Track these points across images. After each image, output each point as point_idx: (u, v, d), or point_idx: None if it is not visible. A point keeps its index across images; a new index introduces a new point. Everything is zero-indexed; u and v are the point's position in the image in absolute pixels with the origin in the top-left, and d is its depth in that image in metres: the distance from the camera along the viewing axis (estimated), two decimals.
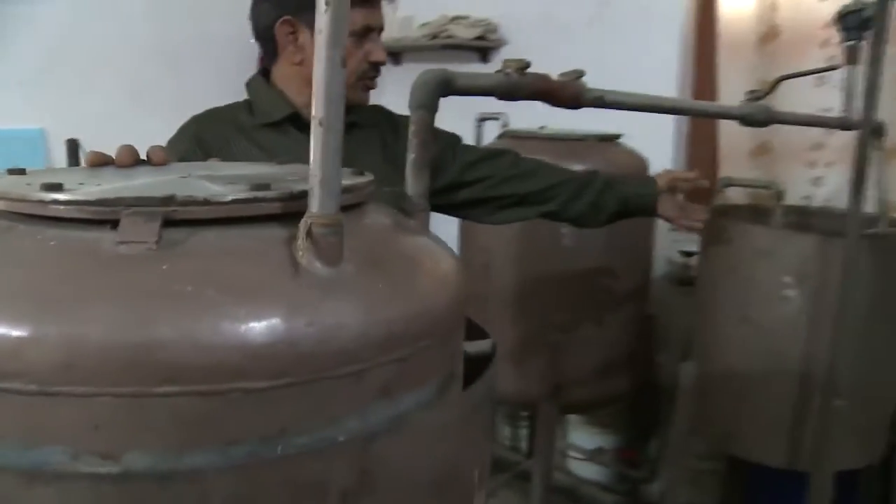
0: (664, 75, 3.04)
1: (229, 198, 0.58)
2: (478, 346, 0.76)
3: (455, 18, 3.55)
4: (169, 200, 0.56)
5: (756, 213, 2.28)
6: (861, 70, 1.61)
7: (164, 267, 0.53)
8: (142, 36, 3.20)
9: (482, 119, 2.95)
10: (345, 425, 0.56)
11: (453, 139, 1.72)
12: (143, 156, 0.84)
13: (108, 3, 3.11)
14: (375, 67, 1.54)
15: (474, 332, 0.79)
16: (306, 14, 1.46)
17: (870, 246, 1.72)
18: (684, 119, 3.14)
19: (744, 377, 1.89)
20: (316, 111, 0.56)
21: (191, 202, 0.57)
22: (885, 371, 1.87)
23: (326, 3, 0.54)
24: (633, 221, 2.18)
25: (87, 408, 0.50)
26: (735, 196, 2.64)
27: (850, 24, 1.61)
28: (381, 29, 1.55)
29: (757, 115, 1.36)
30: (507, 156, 1.74)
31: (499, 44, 3.60)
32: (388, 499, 0.58)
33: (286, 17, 1.48)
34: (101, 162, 0.81)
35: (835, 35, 2.45)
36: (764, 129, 2.62)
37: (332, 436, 0.55)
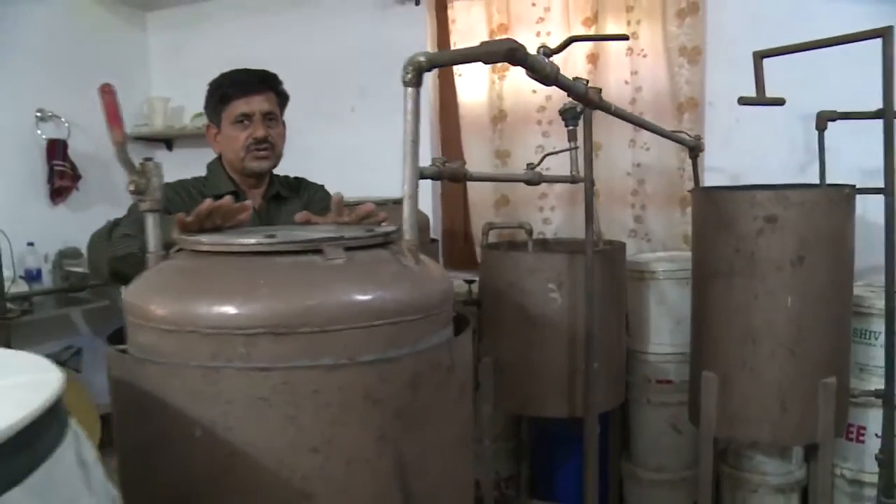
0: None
1: (367, 234, 1.18)
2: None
3: None
4: (342, 238, 1.14)
5: (513, 246, 3.12)
6: (580, 145, 2.48)
7: (354, 270, 1.12)
8: None
9: None
10: (431, 340, 1.17)
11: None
12: None
13: None
14: (259, 141, 2.02)
15: None
16: (214, 118, 2.05)
17: (600, 258, 2.59)
18: (438, 182, 3.96)
19: (529, 359, 2.66)
20: (405, 190, 1.18)
21: (352, 238, 1.15)
22: (615, 339, 2.76)
23: (413, 142, 1.17)
24: None
25: (339, 337, 1.06)
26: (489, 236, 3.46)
27: (569, 116, 2.46)
28: (264, 112, 2.02)
29: (534, 179, 2.13)
30: None
31: None
32: (450, 378, 1.19)
33: (207, 123, 2.08)
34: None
35: (545, 116, 3.43)
36: (504, 184, 3.52)
37: (427, 345, 1.16)
